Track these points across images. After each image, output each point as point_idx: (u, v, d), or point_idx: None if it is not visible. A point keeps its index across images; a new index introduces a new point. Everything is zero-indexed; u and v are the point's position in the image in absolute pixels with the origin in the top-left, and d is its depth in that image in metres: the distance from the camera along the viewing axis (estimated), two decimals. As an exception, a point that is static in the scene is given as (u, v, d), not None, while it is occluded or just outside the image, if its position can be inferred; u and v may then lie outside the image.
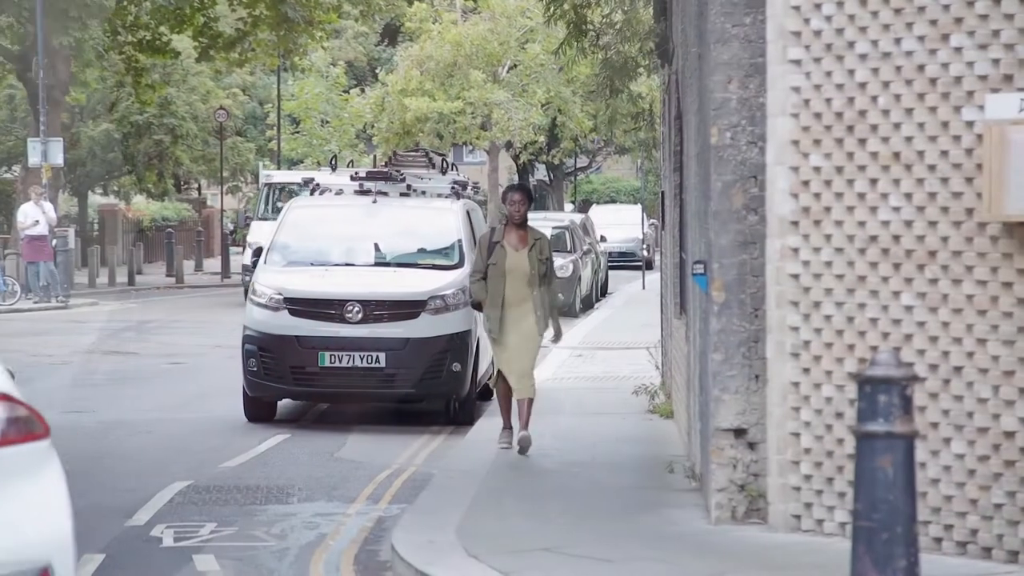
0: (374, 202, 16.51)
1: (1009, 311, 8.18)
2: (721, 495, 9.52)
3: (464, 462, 12.43)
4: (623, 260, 44.39)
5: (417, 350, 15.13)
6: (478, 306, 13.50)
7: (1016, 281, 8.16)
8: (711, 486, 9.62)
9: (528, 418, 13.06)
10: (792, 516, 9.11)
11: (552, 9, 16.00)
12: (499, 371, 13.33)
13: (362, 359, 15.11)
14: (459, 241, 16.22)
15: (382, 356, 15.09)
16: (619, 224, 45.94)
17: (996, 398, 8.24)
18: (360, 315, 15.16)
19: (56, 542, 6.18)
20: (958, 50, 8.35)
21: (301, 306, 15.26)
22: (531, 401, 13.20)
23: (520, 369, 13.12)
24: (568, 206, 57.76)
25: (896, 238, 8.67)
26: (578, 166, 61.44)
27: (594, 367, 21.13)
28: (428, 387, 15.33)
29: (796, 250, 9.06)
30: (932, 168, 8.51)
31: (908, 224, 8.61)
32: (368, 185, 16.74)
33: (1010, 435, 8.19)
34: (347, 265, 16.08)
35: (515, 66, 44.37)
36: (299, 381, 15.22)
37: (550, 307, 13.27)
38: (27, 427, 6.29)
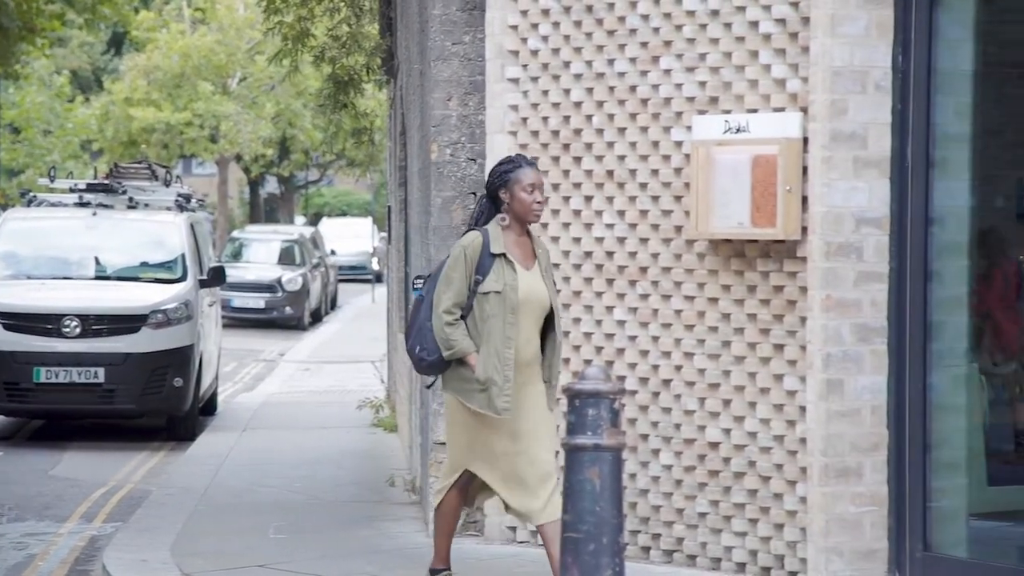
0: (94, 214, 16.17)
1: (715, 325, 8.44)
2: (439, 508, 9.57)
3: (184, 478, 12.26)
4: (353, 273, 44.38)
5: (137, 365, 14.89)
6: (445, 365, 7.60)
7: (721, 296, 8.42)
8: (431, 499, 9.66)
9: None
10: (507, 528, 9.23)
11: (271, 20, 15.87)
12: (462, 476, 7.88)
13: (80, 375, 14.80)
14: (183, 255, 16.03)
15: (101, 371, 14.80)
16: (350, 237, 45.92)
17: (702, 410, 8.48)
18: (78, 329, 14.85)
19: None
20: (667, 72, 8.58)
21: (15, 320, 14.89)
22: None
23: (544, 469, 7.74)
24: (300, 219, 57.42)
25: (610, 254, 8.86)
26: (309, 179, 61.14)
27: (321, 381, 21.06)
28: (149, 403, 15.10)
29: (513, 266, 9.16)
30: (644, 186, 8.72)
31: (621, 241, 8.81)
32: (88, 197, 16.39)
33: (715, 446, 8.44)
34: (65, 278, 15.74)
35: (245, 79, 43.96)
36: (12, 397, 14.84)
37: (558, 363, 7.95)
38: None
